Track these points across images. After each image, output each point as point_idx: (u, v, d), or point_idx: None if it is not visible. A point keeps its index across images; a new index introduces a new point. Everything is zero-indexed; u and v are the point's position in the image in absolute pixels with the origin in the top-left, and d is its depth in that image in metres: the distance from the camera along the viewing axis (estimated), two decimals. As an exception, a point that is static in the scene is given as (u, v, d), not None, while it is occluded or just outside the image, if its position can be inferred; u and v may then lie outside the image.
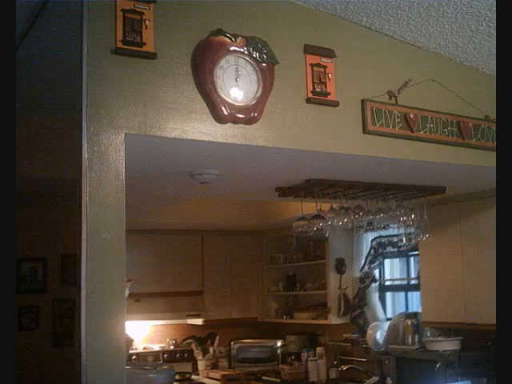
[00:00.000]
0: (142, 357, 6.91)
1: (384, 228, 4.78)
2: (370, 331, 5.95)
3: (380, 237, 6.24)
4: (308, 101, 3.10)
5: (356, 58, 3.32)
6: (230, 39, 2.86)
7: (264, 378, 6.81)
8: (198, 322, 7.15)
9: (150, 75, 2.70)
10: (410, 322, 5.42)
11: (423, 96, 3.50)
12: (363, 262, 6.43)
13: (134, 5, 2.64)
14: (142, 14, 2.65)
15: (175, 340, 7.25)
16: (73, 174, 2.56)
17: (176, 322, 7.27)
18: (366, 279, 6.33)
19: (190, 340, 7.27)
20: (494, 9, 3.12)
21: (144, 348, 7.07)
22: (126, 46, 2.62)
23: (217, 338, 7.34)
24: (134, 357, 6.78)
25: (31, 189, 4.19)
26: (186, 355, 7.21)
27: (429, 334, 5.33)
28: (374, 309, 6.30)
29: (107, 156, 2.55)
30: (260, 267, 7.52)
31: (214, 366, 7.22)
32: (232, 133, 2.87)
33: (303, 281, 7.11)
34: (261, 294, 7.50)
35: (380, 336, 5.82)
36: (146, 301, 6.70)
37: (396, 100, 3.39)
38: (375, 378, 5.63)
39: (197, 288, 7.13)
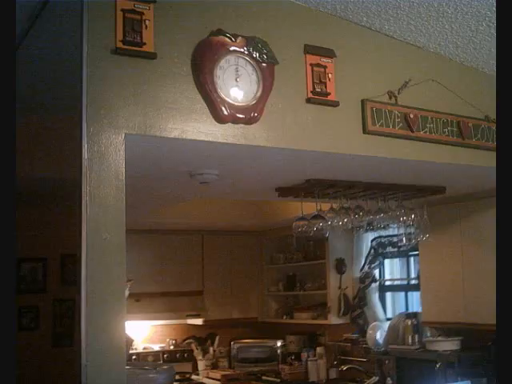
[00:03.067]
0: (142, 357, 6.91)
1: (384, 228, 4.78)
2: (370, 331, 5.95)
3: (380, 237, 6.23)
4: (308, 101, 3.10)
5: (356, 58, 3.32)
6: (230, 39, 2.86)
7: (264, 377, 6.81)
8: (198, 322, 7.15)
9: (150, 75, 2.70)
10: (409, 322, 5.42)
11: (423, 96, 3.50)
12: (363, 262, 6.43)
13: (134, 5, 2.64)
14: (142, 13, 2.65)
15: (175, 340, 7.25)
16: (73, 173, 2.56)
17: (176, 322, 7.27)
18: (366, 279, 6.33)
19: (190, 340, 7.27)
20: (494, 9, 3.12)
21: (144, 348, 7.07)
22: (126, 46, 2.62)
23: (217, 338, 7.34)
24: (134, 357, 6.77)
25: (31, 189, 4.18)
26: (186, 355, 7.21)
27: (429, 334, 5.33)
28: (374, 309, 6.29)
29: (107, 156, 2.55)
30: (260, 267, 7.52)
31: (214, 366, 7.21)
32: (232, 133, 2.87)
33: (303, 281, 7.11)
34: (261, 294, 7.50)
35: (380, 336, 5.82)
36: (145, 301, 6.69)
37: (396, 100, 3.39)
38: (375, 378, 5.63)
39: (197, 288, 7.13)
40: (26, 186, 3.91)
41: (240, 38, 2.89)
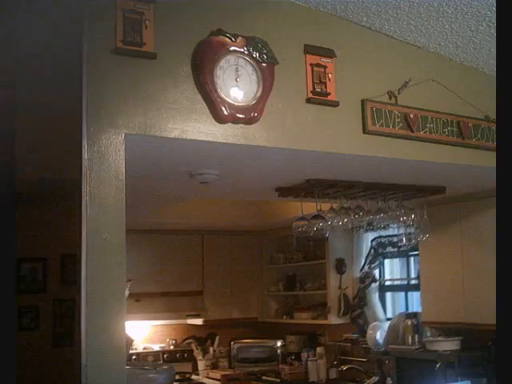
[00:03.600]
0: (142, 357, 6.91)
1: (384, 228, 4.78)
2: (370, 331, 5.95)
3: (380, 237, 6.23)
4: (308, 101, 3.10)
5: (356, 58, 3.32)
6: (230, 39, 2.86)
7: (264, 377, 6.81)
8: (198, 322, 7.15)
9: (150, 75, 2.70)
10: (409, 322, 5.41)
11: (423, 96, 3.50)
12: (363, 262, 6.42)
13: (134, 5, 2.65)
14: (142, 14, 2.65)
15: (175, 340, 7.24)
16: (73, 174, 2.56)
17: (176, 322, 7.27)
18: (366, 279, 6.32)
19: (190, 340, 7.27)
20: (494, 9, 3.12)
21: (144, 348, 7.07)
22: (126, 46, 2.62)
23: (217, 338, 7.34)
24: (134, 357, 6.78)
25: (31, 189, 4.19)
26: (186, 355, 7.20)
27: (429, 334, 5.33)
28: (374, 309, 6.29)
29: (107, 156, 2.55)
30: (260, 267, 7.52)
31: (214, 366, 7.21)
32: (232, 133, 2.87)
33: (303, 281, 7.11)
34: (261, 294, 7.50)
35: (380, 336, 5.82)
36: (145, 301, 6.69)
37: (396, 100, 3.39)
38: (375, 378, 5.63)
39: (197, 288, 7.13)
40: (26, 185, 3.91)
41: (240, 37, 2.89)
